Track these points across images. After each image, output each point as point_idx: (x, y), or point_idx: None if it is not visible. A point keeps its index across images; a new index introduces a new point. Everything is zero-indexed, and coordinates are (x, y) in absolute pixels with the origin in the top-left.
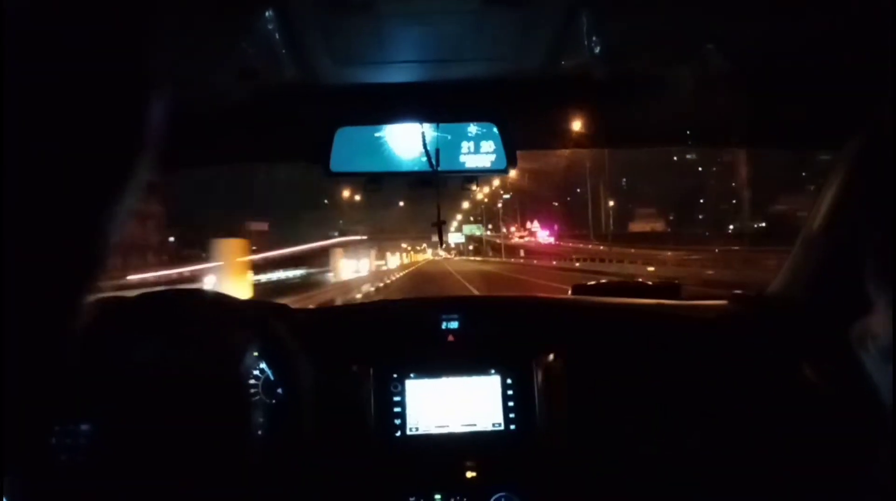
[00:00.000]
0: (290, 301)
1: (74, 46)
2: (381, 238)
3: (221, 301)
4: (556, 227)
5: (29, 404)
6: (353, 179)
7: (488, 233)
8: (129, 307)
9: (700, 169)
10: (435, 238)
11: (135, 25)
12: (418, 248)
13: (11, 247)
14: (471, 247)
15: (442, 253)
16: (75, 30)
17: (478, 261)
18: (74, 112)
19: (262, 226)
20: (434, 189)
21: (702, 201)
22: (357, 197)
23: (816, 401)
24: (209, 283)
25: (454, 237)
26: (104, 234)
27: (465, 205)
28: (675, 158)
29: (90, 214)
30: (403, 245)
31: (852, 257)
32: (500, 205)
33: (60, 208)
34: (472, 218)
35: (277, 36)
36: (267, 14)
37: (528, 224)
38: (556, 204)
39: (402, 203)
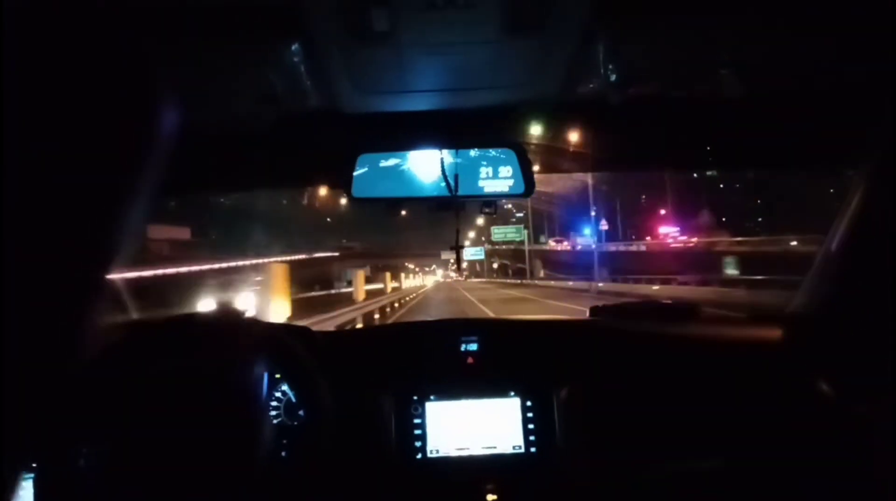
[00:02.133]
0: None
1: (77, 52)
2: (380, 255)
3: (241, 323)
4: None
5: (32, 410)
6: (375, 204)
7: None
8: (147, 330)
9: (721, 186)
10: (444, 256)
11: (140, 39)
12: (427, 268)
13: (12, 252)
14: (496, 265)
15: (453, 274)
16: (81, 38)
17: (518, 287)
18: (79, 119)
19: (181, 233)
20: (453, 213)
21: (724, 219)
22: (343, 200)
23: (834, 417)
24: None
25: (470, 253)
26: (109, 246)
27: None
28: (695, 175)
29: (92, 223)
30: (410, 265)
31: (871, 276)
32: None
33: (63, 214)
34: (479, 237)
35: (302, 66)
36: (292, 45)
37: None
38: (593, 213)
39: (404, 212)
